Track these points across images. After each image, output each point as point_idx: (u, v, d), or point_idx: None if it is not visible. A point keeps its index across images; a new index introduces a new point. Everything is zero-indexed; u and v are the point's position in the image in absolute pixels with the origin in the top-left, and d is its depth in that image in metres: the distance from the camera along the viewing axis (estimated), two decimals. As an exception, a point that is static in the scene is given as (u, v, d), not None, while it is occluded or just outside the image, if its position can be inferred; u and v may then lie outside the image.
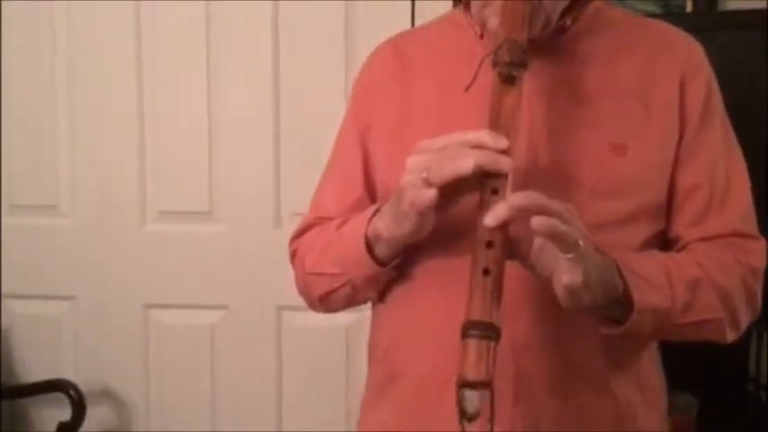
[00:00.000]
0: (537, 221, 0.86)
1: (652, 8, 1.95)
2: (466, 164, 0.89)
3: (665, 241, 1.11)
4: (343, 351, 2.09)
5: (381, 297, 1.15)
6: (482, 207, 0.89)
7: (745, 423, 1.83)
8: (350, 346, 2.08)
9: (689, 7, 1.91)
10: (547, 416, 1.04)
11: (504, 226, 0.88)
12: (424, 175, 0.91)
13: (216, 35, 2.08)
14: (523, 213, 0.86)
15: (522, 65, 0.94)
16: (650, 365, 1.13)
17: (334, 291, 1.13)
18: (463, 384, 0.84)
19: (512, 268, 0.93)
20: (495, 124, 0.92)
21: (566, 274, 0.89)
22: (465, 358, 0.84)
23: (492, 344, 0.85)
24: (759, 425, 1.82)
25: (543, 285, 0.94)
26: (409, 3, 2.02)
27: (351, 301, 1.16)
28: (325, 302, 1.17)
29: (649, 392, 1.12)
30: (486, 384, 0.84)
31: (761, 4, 1.78)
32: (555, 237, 0.87)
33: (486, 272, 0.87)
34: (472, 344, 0.84)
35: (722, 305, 1.03)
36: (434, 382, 1.04)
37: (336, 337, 2.07)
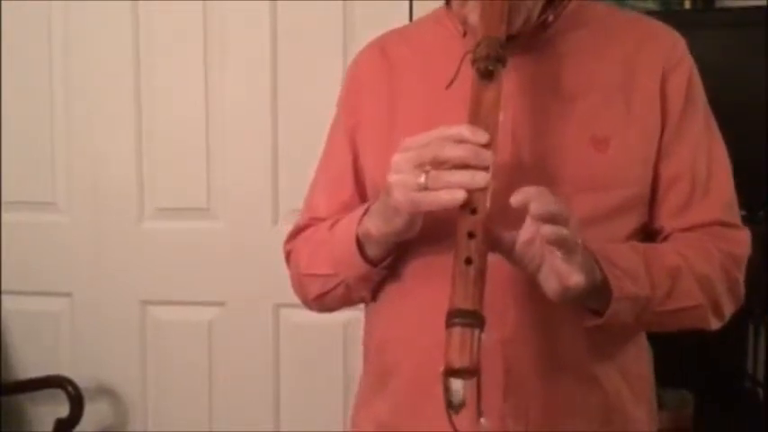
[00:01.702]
0: (549, 231, 0.87)
1: (650, 5, 1.95)
2: (465, 180, 0.90)
3: (648, 233, 1.12)
4: (341, 348, 2.09)
5: (374, 296, 1.15)
6: (464, 204, 0.89)
7: (742, 419, 1.84)
8: (347, 343, 2.08)
9: (687, 4, 1.91)
10: (537, 407, 1.05)
11: (485, 218, 0.89)
12: (422, 180, 0.92)
13: (213, 32, 2.08)
14: (535, 219, 0.87)
15: (500, 60, 0.95)
16: (636, 356, 1.14)
17: (329, 292, 1.14)
18: (449, 373, 0.85)
19: (497, 263, 0.93)
20: (475, 119, 0.93)
21: (573, 275, 0.89)
22: (449, 346, 0.85)
23: (476, 331, 0.85)
24: (756, 421, 1.83)
25: (529, 278, 0.95)
26: (407, 1, 2.02)
27: (345, 302, 1.17)
28: (320, 303, 1.19)
29: (636, 383, 1.13)
30: (471, 372, 0.84)
31: (759, 1, 1.78)
32: (560, 242, 0.88)
33: (468, 261, 0.88)
34: (456, 332, 0.85)
35: (703, 292, 1.04)
36: (427, 377, 1.03)
37: (334, 334, 2.07)
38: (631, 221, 1.09)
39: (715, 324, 1.09)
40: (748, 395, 1.89)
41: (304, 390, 2.12)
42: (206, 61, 2.08)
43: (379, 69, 1.19)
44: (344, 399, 2.10)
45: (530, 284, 0.96)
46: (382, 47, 1.22)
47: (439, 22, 1.18)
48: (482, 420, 1.02)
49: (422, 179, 0.92)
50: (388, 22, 2.06)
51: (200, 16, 2.08)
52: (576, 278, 0.90)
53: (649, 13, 1.67)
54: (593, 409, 1.08)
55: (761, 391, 1.88)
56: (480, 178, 0.89)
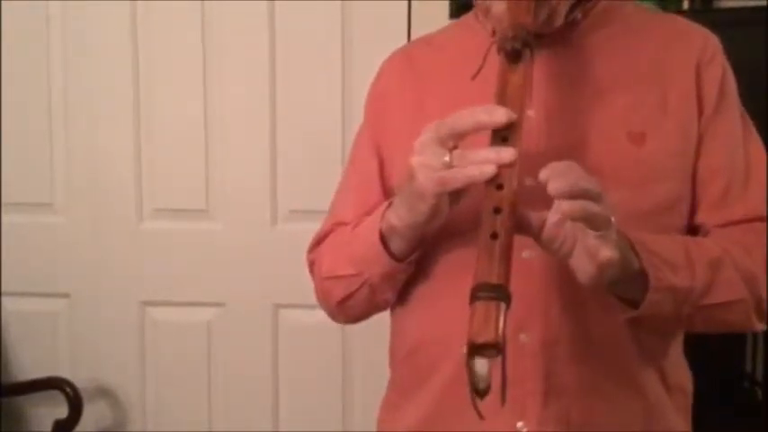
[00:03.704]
0: (568, 207, 0.84)
1: (648, 6, 1.94)
2: (491, 156, 0.88)
3: (690, 232, 1.09)
4: (340, 349, 2.09)
5: (400, 300, 1.14)
6: (490, 180, 0.88)
7: (741, 419, 1.84)
8: (346, 343, 2.08)
9: (685, 5, 1.91)
10: (577, 413, 1.03)
11: (512, 194, 0.86)
12: (446, 159, 0.90)
13: (212, 32, 2.08)
14: (557, 197, 0.84)
15: (527, 44, 0.93)
16: (677, 365, 1.12)
17: (352, 294, 1.11)
18: (472, 350, 0.81)
19: (539, 262, 0.92)
20: (502, 100, 0.91)
21: (604, 249, 0.86)
22: (472, 321, 0.81)
23: (502, 305, 0.81)
24: (755, 421, 1.83)
25: (567, 275, 0.91)
26: (405, 2, 2.02)
27: (369, 306, 1.14)
28: (343, 309, 1.15)
29: (679, 395, 1.11)
30: (495, 347, 0.80)
31: (758, 1, 1.78)
32: (587, 218, 0.85)
33: (493, 236, 0.85)
34: (479, 305, 0.81)
35: (746, 287, 1.01)
36: (464, 381, 1.02)
37: (333, 334, 2.07)
38: (673, 221, 1.06)
39: (758, 324, 1.05)
40: (747, 395, 1.89)
41: (303, 390, 2.12)
42: (205, 62, 2.08)
43: (404, 75, 1.19)
44: (343, 399, 2.10)
45: (573, 285, 0.92)
46: (406, 52, 1.22)
47: (467, 27, 1.17)
48: (518, 424, 1.02)
49: (446, 158, 0.90)
50: (386, 24, 2.07)
51: (199, 17, 2.07)
52: (607, 252, 0.86)
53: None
54: (635, 416, 1.06)
55: (759, 392, 1.88)
56: (506, 154, 0.87)
